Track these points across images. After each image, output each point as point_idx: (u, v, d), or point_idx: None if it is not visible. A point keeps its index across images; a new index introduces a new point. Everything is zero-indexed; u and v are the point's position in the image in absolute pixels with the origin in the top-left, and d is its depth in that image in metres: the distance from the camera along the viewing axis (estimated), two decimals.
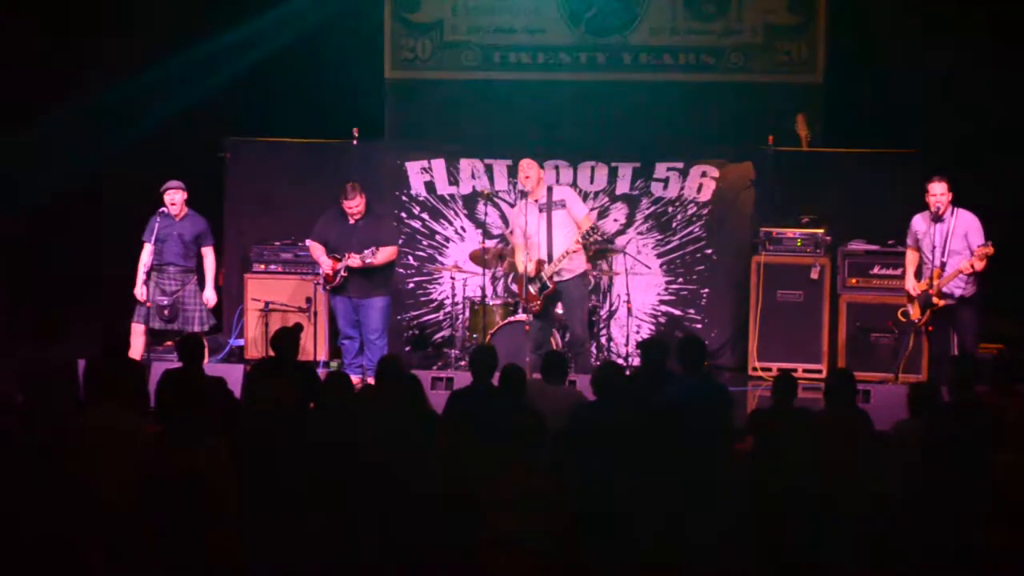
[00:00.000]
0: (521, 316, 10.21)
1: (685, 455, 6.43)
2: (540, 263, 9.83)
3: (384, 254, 10.20)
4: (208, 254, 10.27)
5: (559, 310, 10.11)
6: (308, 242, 10.50)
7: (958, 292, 9.30)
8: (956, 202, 9.34)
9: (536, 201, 9.90)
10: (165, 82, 11.48)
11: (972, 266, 9.15)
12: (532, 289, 9.89)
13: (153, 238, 10.00)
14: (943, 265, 9.28)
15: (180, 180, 10.19)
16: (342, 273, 10.20)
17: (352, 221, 10.29)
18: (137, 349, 9.83)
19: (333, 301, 10.44)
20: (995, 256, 9.12)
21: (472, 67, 12.05)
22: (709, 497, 6.19)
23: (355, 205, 10.24)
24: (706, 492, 6.20)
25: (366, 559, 5.92)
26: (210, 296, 10.23)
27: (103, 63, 11.47)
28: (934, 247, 9.31)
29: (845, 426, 6.68)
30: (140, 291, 10.00)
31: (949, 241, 9.26)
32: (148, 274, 10.02)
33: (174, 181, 10.14)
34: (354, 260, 10.13)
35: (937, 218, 9.30)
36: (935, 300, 9.29)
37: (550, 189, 10.02)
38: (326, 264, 10.27)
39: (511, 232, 10.41)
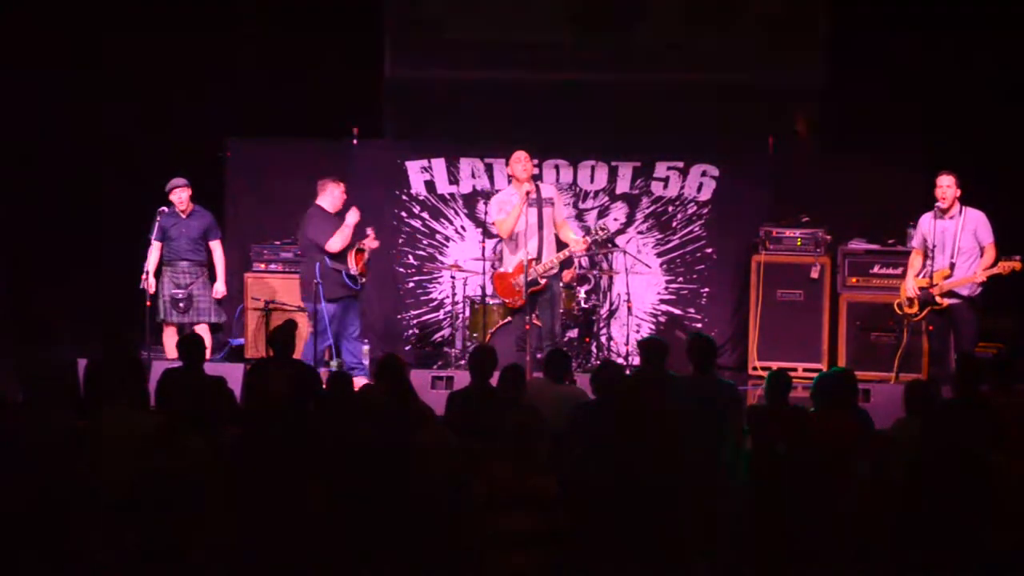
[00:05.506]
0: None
1: (692, 454, 6.42)
2: (530, 261, 9.56)
3: None
4: (216, 248, 10.34)
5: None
6: (335, 237, 9.81)
7: (964, 292, 9.27)
8: (962, 201, 9.33)
9: (528, 195, 9.61)
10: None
11: (982, 276, 9.15)
12: (518, 285, 9.66)
13: (163, 236, 10.05)
14: (952, 266, 9.26)
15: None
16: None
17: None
18: (170, 348, 9.85)
19: (342, 304, 9.94)
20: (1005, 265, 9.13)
21: (472, 67, 12.03)
22: (714, 495, 6.19)
23: None
24: (711, 491, 6.20)
25: (366, 558, 5.92)
26: (220, 288, 10.28)
27: (103, 64, 11.48)
28: (935, 245, 9.29)
29: (843, 424, 6.68)
30: (146, 283, 9.92)
31: (958, 239, 9.24)
32: (158, 270, 10.03)
33: (180, 179, 10.17)
34: (373, 240, 10.03)
35: (943, 214, 9.26)
36: (938, 299, 9.27)
37: (538, 186, 9.79)
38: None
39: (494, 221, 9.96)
